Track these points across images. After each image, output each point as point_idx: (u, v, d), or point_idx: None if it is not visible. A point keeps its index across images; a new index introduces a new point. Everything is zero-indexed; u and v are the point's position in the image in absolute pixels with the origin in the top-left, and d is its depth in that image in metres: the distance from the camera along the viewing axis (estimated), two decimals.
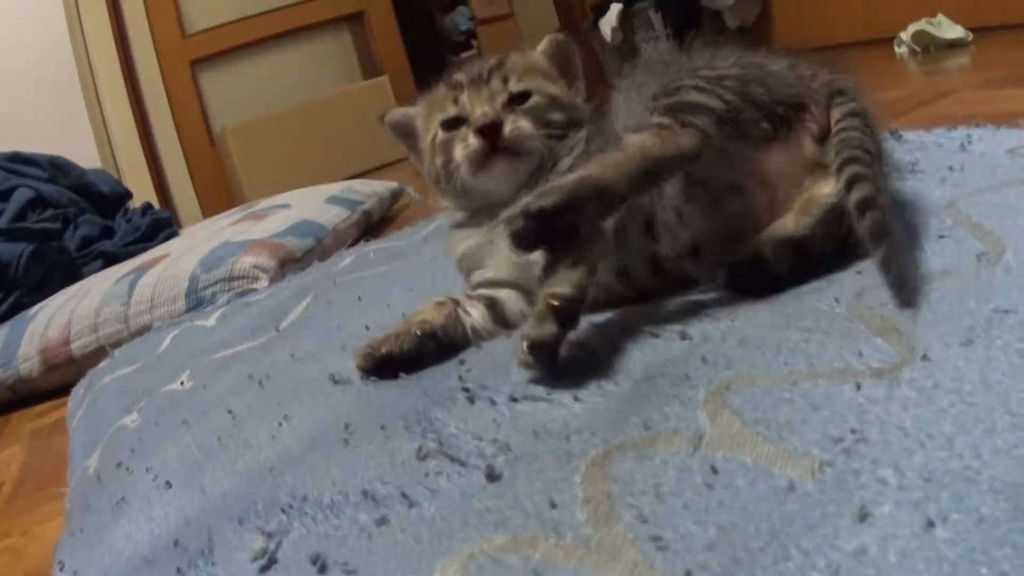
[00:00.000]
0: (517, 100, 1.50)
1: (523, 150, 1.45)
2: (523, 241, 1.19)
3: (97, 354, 2.50)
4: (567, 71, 1.61)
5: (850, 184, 1.19)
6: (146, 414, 1.66)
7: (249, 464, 1.22)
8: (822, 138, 1.30)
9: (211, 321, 2.24)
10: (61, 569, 1.16)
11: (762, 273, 1.21)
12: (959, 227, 1.26)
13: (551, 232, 1.18)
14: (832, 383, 0.92)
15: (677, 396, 0.98)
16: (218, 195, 6.33)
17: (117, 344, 2.49)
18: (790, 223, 1.22)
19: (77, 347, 2.56)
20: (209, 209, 6.23)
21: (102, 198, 3.85)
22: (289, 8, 6.92)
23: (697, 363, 1.06)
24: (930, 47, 3.99)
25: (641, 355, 1.14)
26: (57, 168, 3.82)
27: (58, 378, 2.55)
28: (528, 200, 1.18)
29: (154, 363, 2.04)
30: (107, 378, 2.09)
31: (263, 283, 2.56)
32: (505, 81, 1.52)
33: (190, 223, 5.77)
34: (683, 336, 1.15)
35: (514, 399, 1.12)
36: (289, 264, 2.67)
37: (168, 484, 1.26)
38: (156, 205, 5.54)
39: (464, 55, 7.94)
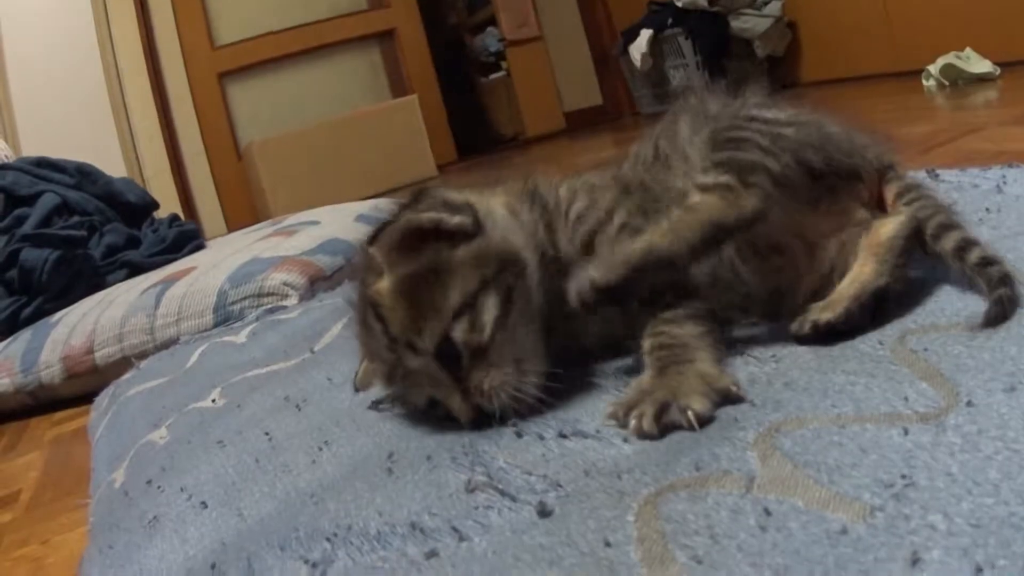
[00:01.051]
0: (449, 353, 1.19)
1: (519, 390, 1.19)
2: (592, 309, 1.19)
3: (121, 364, 2.51)
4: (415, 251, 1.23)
5: (961, 250, 1.20)
6: (176, 431, 1.65)
7: (288, 489, 1.21)
8: (872, 206, 1.32)
9: (241, 338, 2.23)
10: None
11: (842, 327, 1.20)
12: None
13: (619, 297, 1.20)
14: (880, 427, 0.91)
15: (727, 438, 0.97)
16: (243, 208, 6.35)
17: (142, 355, 2.49)
18: (868, 271, 1.22)
19: (101, 356, 2.56)
20: (234, 222, 6.26)
21: (129, 207, 3.85)
22: (319, 24, 6.97)
23: (745, 406, 1.05)
24: (958, 81, 4.01)
25: None
26: (84, 175, 3.83)
27: (80, 386, 2.55)
28: (592, 273, 1.18)
29: (182, 378, 2.03)
30: (132, 390, 2.09)
31: (292, 301, 2.55)
32: (414, 349, 1.20)
33: (214, 235, 5.80)
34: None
35: (563, 435, 1.10)
36: (319, 282, 2.67)
37: (203, 504, 1.25)
38: (181, 216, 5.59)
39: (493, 76, 7.96)
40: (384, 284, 1.22)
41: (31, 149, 5.12)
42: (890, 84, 4.80)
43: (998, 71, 3.93)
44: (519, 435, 1.14)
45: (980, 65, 3.97)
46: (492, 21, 7.87)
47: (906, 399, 0.96)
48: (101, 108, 6.05)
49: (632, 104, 7.39)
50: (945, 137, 2.78)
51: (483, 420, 1.18)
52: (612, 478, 0.96)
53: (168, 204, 5.91)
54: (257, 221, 5.78)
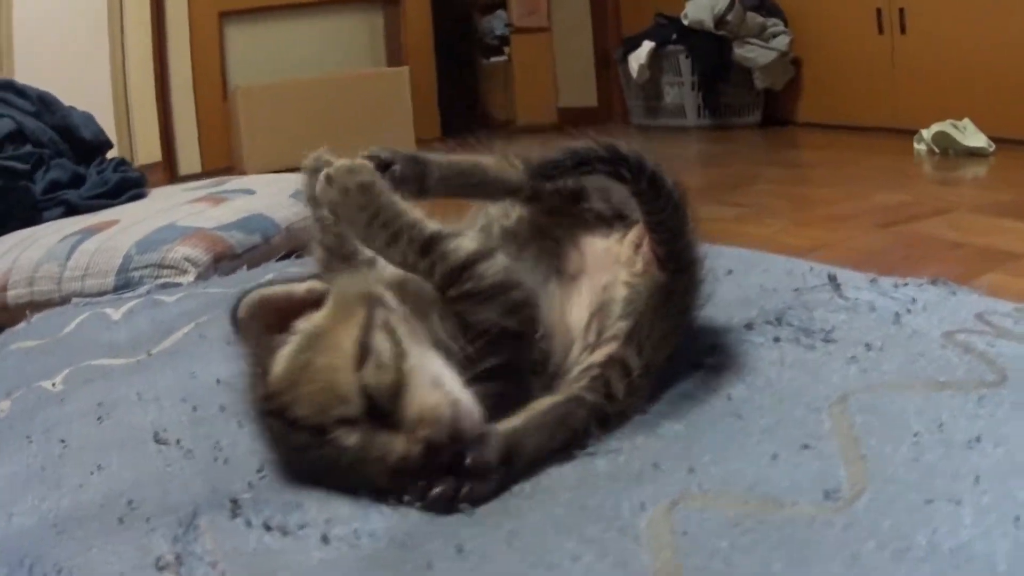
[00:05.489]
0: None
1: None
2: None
3: (27, 308, 2.51)
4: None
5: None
6: (15, 407, 1.65)
7: (50, 508, 1.20)
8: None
9: (118, 314, 2.20)
10: None
11: None
12: (833, 438, 1.09)
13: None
14: None
15: None
16: (221, 150, 6.36)
17: (48, 304, 2.50)
18: (514, 421, 1.14)
19: (12, 296, 2.60)
20: (209, 160, 6.30)
21: (81, 143, 3.82)
22: None
23: (452, 553, 0.96)
24: (950, 150, 3.98)
25: (399, 519, 1.05)
26: (44, 104, 3.82)
27: None
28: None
29: (51, 346, 2.02)
30: (14, 345, 2.09)
31: (190, 278, 2.55)
32: (346, 422, 1.08)
33: (188, 170, 5.84)
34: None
35: (268, 527, 1.05)
36: (224, 261, 2.67)
37: None
38: (158, 147, 5.63)
39: (494, 59, 7.95)
40: (275, 373, 1.12)
41: (23, 65, 5.14)
42: (884, 140, 4.79)
43: (992, 147, 3.91)
44: (233, 515, 1.09)
45: (975, 138, 3.95)
46: (503, 3, 7.87)
47: None
48: (98, 29, 6.02)
49: (625, 112, 7.42)
50: (909, 214, 2.77)
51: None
52: None
53: (149, 134, 5.95)
54: (232, 165, 5.82)
